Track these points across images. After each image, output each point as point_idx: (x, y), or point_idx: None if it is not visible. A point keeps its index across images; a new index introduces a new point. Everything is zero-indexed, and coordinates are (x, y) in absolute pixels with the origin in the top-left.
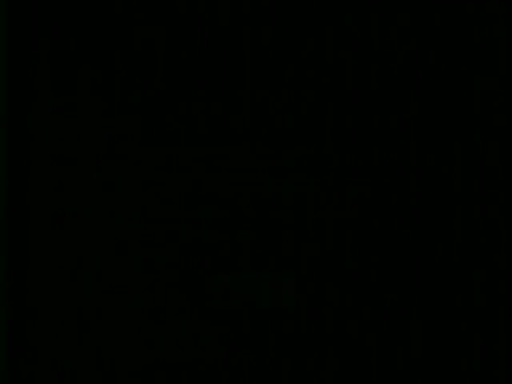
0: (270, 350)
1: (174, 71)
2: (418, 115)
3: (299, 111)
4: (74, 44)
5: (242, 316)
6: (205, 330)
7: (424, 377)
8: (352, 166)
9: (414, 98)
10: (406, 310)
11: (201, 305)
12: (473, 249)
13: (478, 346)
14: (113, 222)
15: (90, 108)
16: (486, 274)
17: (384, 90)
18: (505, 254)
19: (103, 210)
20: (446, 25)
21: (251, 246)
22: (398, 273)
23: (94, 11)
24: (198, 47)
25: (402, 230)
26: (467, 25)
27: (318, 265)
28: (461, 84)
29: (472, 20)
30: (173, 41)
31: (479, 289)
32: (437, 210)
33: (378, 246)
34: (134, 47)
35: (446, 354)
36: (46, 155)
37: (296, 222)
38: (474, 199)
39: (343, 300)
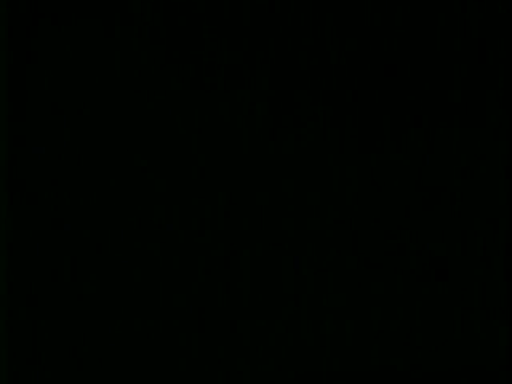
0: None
1: (175, 69)
2: (418, 114)
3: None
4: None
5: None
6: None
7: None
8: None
9: (414, 97)
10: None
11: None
12: (472, 248)
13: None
14: (112, 219)
15: (89, 106)
16: (485, 273)
17: (383, 89)
18: (504, 254)
19: (102, 207)
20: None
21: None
22: (398, 271)
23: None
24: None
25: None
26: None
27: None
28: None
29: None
30: (174, 37)
31: (479, 288)
32: (436, 209)
33: (378, 244)
34: (133, 44)
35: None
36: (45, 152)
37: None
38: (474, 199)
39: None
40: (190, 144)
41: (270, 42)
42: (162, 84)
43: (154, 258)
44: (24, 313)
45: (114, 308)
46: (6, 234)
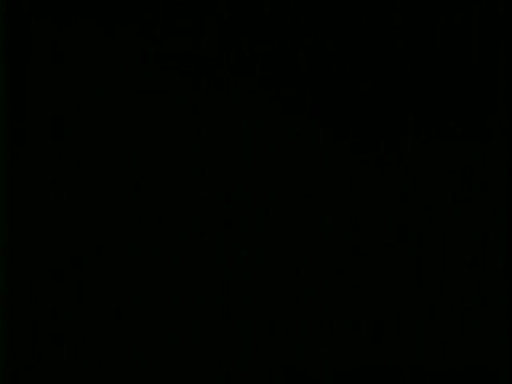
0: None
1: (176, 64)
2: (418, 116)
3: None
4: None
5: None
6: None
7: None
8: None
9: (414, 98)
10: (406, 309)
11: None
12: (472, 249)
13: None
14: (113, 221)
15: (89, 105)
16: (485, 274)
17: (381, 90)
18: (504, 255)
19: (102, 208)
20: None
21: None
22: (398, 272)
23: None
24: (201, 38)
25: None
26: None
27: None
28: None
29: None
30: (174, 32)
31: (479, 289)
32: (435, 210)
33: (378, 245)
34: (133, 41)
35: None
36: (46, 152)
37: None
38: (473, 200)
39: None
40: (189, 144)
41: (268, 40)
42: (162, 83)
43: (154, 258)
44: (24, 313)
45: (115, 308)
46: (6, 234)
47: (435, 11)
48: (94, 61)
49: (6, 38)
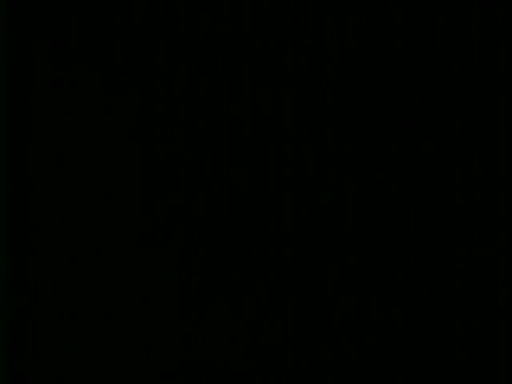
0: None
1: (174, 69)
2: (418, 114)
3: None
4: (73, 42)
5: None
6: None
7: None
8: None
9: (413, 97)
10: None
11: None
12: (472, 247)
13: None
14: (113, 222)
15: (90, 106)
16: (485, 273)
17: (381, 89)
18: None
19: (103, 210)
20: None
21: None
22: (397, 271)
23: (93, 8)
24: (199, 46)
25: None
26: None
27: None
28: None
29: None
30: (174, 39)
31: (479, 289)
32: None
33: (378, 243)
34: (134, 44)
35: (444, 355)
36: (46, 154)
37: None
38: (474, 197)
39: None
40: (190, 144)
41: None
42: (163, 85)
43: (154, 259)
44: (24, 313)
45: (115, 308)
46: (6, 235)
47: (435, 11)
48: (95, 61)
49: (6, 38)
